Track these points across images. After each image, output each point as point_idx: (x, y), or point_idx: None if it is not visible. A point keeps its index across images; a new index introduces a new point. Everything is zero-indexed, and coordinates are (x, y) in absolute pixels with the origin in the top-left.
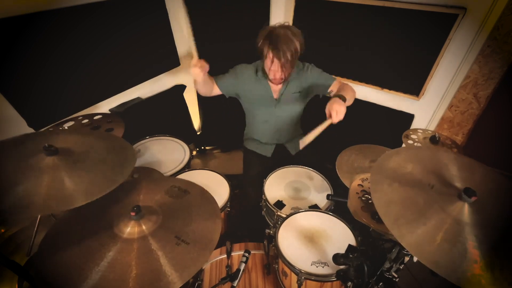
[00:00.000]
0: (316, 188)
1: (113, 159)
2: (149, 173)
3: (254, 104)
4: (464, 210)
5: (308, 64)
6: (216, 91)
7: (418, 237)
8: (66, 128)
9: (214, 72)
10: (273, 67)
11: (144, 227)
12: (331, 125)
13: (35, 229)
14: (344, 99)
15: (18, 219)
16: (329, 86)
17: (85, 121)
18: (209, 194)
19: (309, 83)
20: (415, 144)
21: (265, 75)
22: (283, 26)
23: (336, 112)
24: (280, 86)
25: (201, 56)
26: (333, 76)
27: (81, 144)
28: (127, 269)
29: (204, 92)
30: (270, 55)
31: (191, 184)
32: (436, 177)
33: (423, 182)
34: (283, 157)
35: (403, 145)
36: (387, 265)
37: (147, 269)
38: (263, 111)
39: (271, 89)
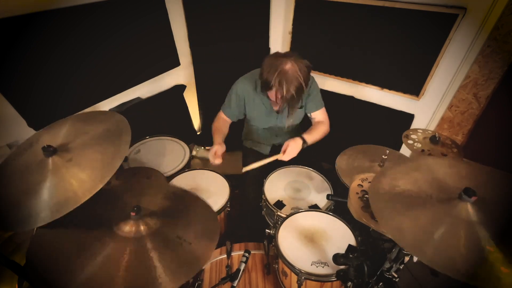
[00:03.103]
0: (316, 188)
1: (109, 139)
2: (149, 173)
3: (255, 116)
4: (469, 211)
5: (311, 77)
6: (229, 120)
7: (434, 249)
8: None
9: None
10: (278, 101)
11: (142, 228)
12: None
13: (35, 229)
14: (304, 142)
15: (57, 217)
16: (315, 110)
17: None
18: (203, 201)
19: (309, 97)
20: (415, 144)
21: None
22: (292, 63)
23: (290, 151)
24: None
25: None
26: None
27: (72, 136)
28: (119, 267)
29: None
30: (275, 91)
31: (185, 192)
32: (431, 185)
33: (421, 194)
34: None
35: (403, 145)
36: (387, 265)
37: (138, 269)
38: (264, 122)
39: (270, 103)
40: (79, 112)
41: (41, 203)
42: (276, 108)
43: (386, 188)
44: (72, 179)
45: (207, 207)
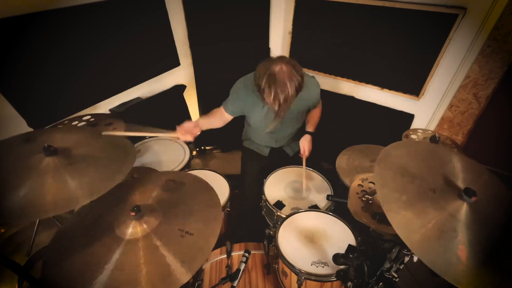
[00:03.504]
0: (316, 188)
1: (113, 157)
2: (149, 173)
3: (257, 119)
4: (462, 210)
5: (312, 78)
6: (228, 117)
7: (415, 229)
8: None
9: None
10: (270, 104)
11: (145, 226)
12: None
13: (35, 229)
14: (312, 134)
15: (20, 222)
16: (315, 106)
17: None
18: (205, 182)
19: (310, 99)
20: None
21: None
22: (282, 66)
23: (308, 149)
24: None
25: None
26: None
27: (79, 143)
28: (136, 269)
29: (217, 126)
30: (268, 96)
31: (186, 175)
32: (438, 173)
33: (426, 178)
34: (280, 157)
35: None
36: (387, 265)
37: (155, 266)
38: (266, 125)
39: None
40: (86, 116)
41: (16, 199)
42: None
43: (395, 160)
44: (57, 186)
45: (204, 186)
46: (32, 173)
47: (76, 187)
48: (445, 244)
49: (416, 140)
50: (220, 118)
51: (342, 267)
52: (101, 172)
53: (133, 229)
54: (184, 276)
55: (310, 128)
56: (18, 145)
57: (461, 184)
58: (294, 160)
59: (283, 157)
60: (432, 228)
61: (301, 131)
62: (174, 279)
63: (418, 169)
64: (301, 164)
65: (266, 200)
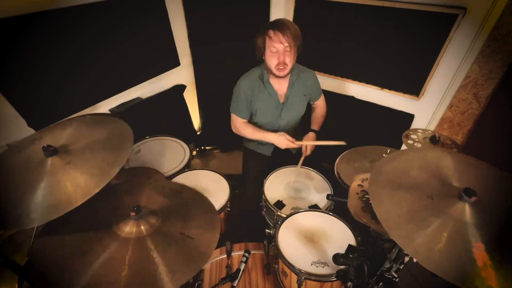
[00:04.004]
0: (316, 188)
1: (112, 141)
2: (149, 174)
3: (261, 111)
4: (465, 211)
5: (310, 70)
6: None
7: (422, 244)
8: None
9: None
10: (278, 45)
11: (143, 227)
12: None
13: (35, 229)
14: (316, 132)
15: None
16: (316, 99)
17: None
18: (202, 195)
19: (310, 87)
20: (415, 144)
21: (268, 79)
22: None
23: (310, 148)
24: (285, 89)
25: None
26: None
27: (77, 136)
28: (121, 268)
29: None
30: (272, 34)
31: (183, 186)
32: (433, 179)
33: (421, 187)
34: (283, 156)
35: (403, 145)
36: (387, 265)
37: (141, 270)
38: (269, 117)
39: (277, 94)
40: (86, 115)
41: (34, 204)
42: (281, 73)
43: (389, 173)
44: (68, 182)
45: (205, 199)
46: (42, 176)
47: (85, 179)
48: (459, 251)
49: (411, 143)
50: (248, 124)
51: (342, 267)
52: (103, 162)
53: (130, 229)
54: (168, 286)
55: (314, 126)
56: (18, 153)
57: (457, 184)
58: (297, 158)
59: (285, 156)
60: (440, 237)
61: (299, 129)
62: (157, 283)
63: (411, 179)
64: (303, 165)
65: (266, 200)
